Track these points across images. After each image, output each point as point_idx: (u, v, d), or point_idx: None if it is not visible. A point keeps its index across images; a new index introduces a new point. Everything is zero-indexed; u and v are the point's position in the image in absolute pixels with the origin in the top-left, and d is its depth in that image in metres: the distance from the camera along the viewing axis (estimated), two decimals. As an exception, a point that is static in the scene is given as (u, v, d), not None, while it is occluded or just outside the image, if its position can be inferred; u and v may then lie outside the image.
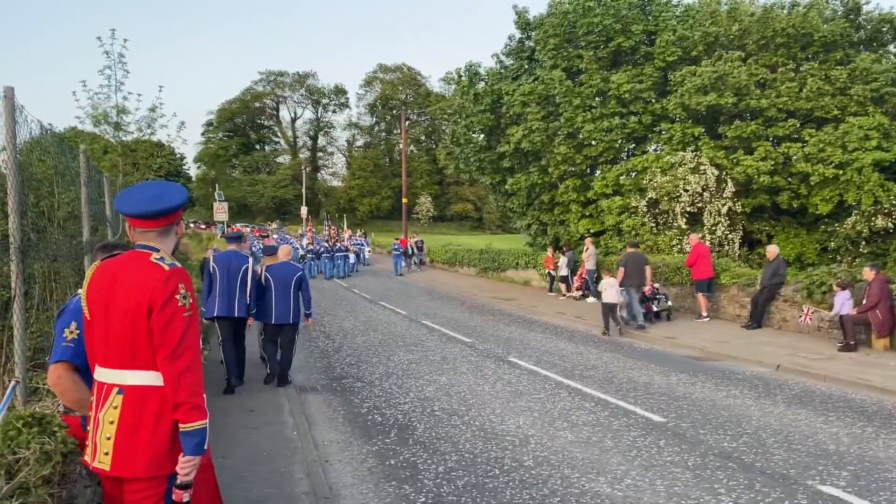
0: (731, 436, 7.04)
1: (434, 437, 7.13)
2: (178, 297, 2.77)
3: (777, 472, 5.97)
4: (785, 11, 20.51)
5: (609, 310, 13.72)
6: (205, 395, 2.83)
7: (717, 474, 5.92)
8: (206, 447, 2.80)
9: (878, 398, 8.59)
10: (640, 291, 14.40)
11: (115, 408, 2.77)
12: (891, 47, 22.12)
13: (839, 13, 21.21)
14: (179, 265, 2.89)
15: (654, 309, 15.12)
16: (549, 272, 22.11)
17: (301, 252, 33.71)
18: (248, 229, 61.38)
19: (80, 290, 3.53)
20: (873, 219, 17.46)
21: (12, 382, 3.75)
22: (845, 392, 8.98)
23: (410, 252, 34.27)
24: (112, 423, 2.76)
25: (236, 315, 8.89)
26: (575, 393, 9.03)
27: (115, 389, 2.80)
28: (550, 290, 22.00)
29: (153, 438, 2.76)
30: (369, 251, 40.30)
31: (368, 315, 17.67)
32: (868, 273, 11.69)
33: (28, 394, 4.41)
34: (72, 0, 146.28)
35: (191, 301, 2.82)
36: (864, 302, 11.50)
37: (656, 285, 15.57)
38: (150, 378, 2.78)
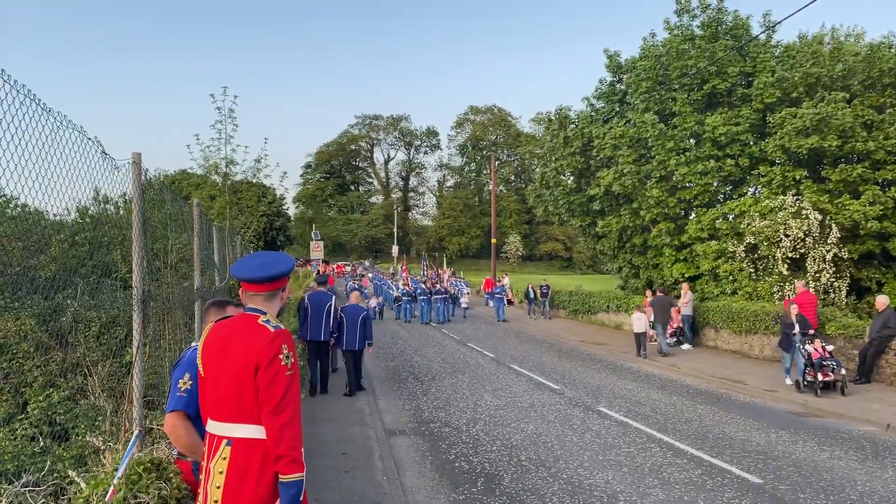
0: (833, 501, 6.68)
1: (520, 488, 7.12)
2: (281, 356, 3.02)
3: (886, 545, 5.63)
4: (892, 51, 19.62)
5: (639, 337, 17.41)
6: (303, 450, 3.03)
7: (818, 544, 5.64)
8: (301, 499, 2.99)
9: None
10: (665, 326, 18.22)
11: (224, 459, 3.02)
12: None
13: (955, 50, 20.09)
14: (284, 327, 3.14)
15: (822, 378, 12.18)
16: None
17: (395, 293, 32.67)
18: (349, 268, 63.29)
19: (193, 343, 3.86)
20: None
21: (136, 432, 4.08)
22: (966, 459, 8.34)
23: (532, 296, 30.61)
24: (221, 472, 3.01)
25: (322, 339, 11.84)
26: (667, 448, 8.80)
27: (225, 441, 3.05)
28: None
29: (257, 488, 2.98)
30: (468, 293, 34.12)
31: (456, 357, 17.79)
32: None
33: (143, 434, 4.77)
34: (188, 65, 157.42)
35: (292, 361, 3.06)
36: None
37: (829, 348, 12.68)
38: (255, 431, 3.02)
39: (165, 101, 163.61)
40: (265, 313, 3.19)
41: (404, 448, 8.85)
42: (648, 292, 21.91)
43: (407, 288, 31.07)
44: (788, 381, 13.25)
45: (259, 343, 3.03)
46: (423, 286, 30.59)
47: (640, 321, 17.54)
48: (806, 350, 12.56)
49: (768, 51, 22.40)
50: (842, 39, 23.21)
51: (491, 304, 37.66)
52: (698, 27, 22.96)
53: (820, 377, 12.17)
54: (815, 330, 14.50)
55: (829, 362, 12.33)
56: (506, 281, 35.26)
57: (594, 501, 6.70)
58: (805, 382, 12.50)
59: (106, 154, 4.62)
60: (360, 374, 12.76)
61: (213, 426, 3.14)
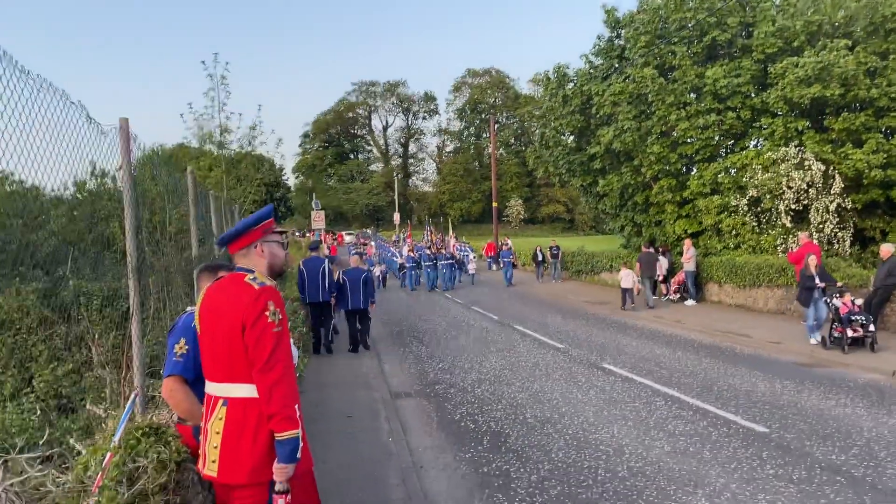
0: (839, 448, 6.69)
1: (527, 444, 7.15)
2: (267, 313, 2.98)
3: (889, 487, 5.64)
4: (896, -6, 19.20)
5: (625, 291, 18.49)
6: (297, 406, 2.99)
7: (823, 489, 5.66)
8: (299, 455, 2.96)
9: None
10: (651, 280, 19.17)
11: (220, 419, 3.00)
12: None
13: (960, -9, 19.67)
14: (270, 284, 3.10)
15: (851, 334, 11.41)
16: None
17: (399, 260, 32.22)
18: (353, 237, 63.44)
19: (189, 308, 3.82)
20: None
21: (132, 394, 4.07)
22: (972, 402, 8.34)
23: (540, 258, 29.55)
24: (218, 433, 2.99)
25: (321, 300, 12.43)
26: (672, 401, 8.82)
27: (221, 402, 3.03)
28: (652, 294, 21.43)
29: (254, 447, 2.96)
30: (474, 258, 32.70)
31: (460, 320, 17.83)
32: None
33: (145, 402, 4.76)
34: (178, 26, 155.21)
35: (280, 317, 3.02)
36: None
37: (858, 302, 11.89)
38: (249, 391, 2.99)
39: (156, 74, 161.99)
40: (252, 271, 3.15)
41: (410, 410, 8.88)
42: (651, 249, 21.82)
43: (412, 255, 30.16)
44: (813, 340, 12.29)
45: (244, 301, 3.00)
46: (428, 252, 29.57)
47: (627, 277, 18.68)
48: (834, 304, 11.76)
49: (768, 0, 21.95)
50: (843, -15, 22.68)
51: (494, 267, 37.57)
52: (697, -23, 22.48)
53: (849, 332, 11.40)
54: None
55: (858, 317, 11.51)
56: (553, 246, 34.23)
57: (599, 455, 6.73)
58: (832, 339, 11.75)
59: (91, 119, 4.53)
60: (368, 332, 13.46)
61: (210, 387, 3.12)
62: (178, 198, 9.18)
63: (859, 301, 12.06)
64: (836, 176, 18.23)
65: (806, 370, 10.60)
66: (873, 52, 18.77)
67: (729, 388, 9.46)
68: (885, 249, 13.36)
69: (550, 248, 29.87)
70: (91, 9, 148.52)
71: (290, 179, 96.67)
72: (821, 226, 18.35)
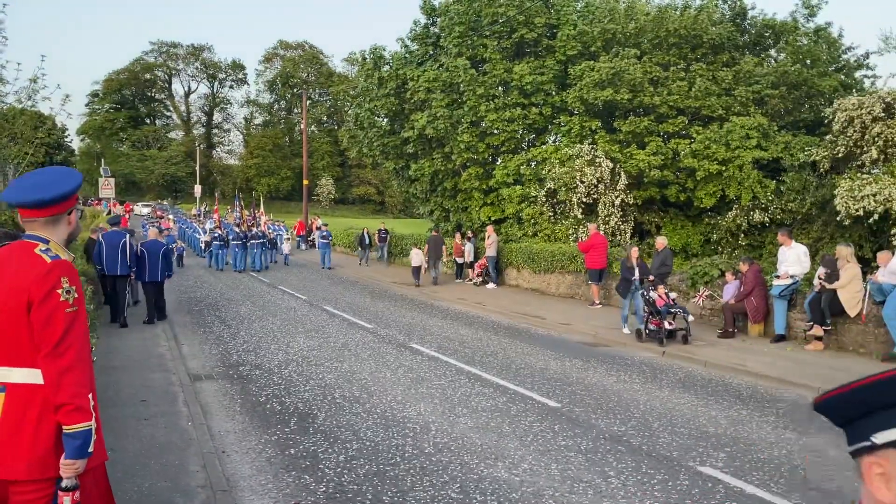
0: (620, 419, 7.41)
1: (335, 425, 7.11)
2: (59, 291, 2.62)
3: (661, 454, 6.35)
4: (677, 13, 21.48)
5: (416, 270, 20.68)
6: (91, 396, 2.69)
7: (607, 457, 6.23)
8: (91, 449, 2.67)
9: (753, 382, 9.26)
10: (438, 260, 21.47)
11: None
12: (772, 51, 23.61)
13: (727, 17, 22.44)
14: (64, 258, 2.74)
15: (668, 327, 11.38)
16: (455, 259, 22.38)
17: (203, 238, 29.83)
18: (149, 209, 59.01)
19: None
20: (751, 213, 18.71)
21: None
22: (723, 377, 9.61)
23: (366, 242, 28.53)
24: None
25: (119, 273, 12.77)
26: (475, 379, 9.22)
27: (-1, 387, 2.65)
28: (458, 277, 22.25)
29: (35, 439, 2.62)
30: (287, 239, 31.27)
31: (266, 300, 17.30)
32: (743, 266, 12.57)
33: None
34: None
35: (76, 296, 2.67)
36: (741, 290, 12.38)
37: (673, 295, 11.99)
38: (33, 376, 2.63)
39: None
40: (47, 242, 2.74)
41: (211, 393, 8.46)
42: (458, 235, 22.70)
43: (219, 232, 27.59)
44: (626, 330, 12.44)
45: (32, 275, 2.61)
46: (237, 230, 27.36)
47: (417, 256, 20.88)
48: (650, 297, 11.68)
49: (571, 5, 23.55)
50: (635, -1, 24.94)
51: (304, 247, 36.79)
52: (509, -26, 23.48)
53: (666, 325, 11.38)
54: (603, 268, 15.92)
55: (676, 309, 11.54)
56: (381, 229, 33.28)
57: (407, 432, 6.87)
58: (648, 331, 11.70)
59: None
60: (164, 304, 13.86)
61: (-12, 372, 2.71)
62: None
63: (673, 294, 12.18)
64: (622, 174, 20.08)
65: (591, 349, 11.61)
66: (657, 62, 20.87)
67: (526, 366, 10.09)
68: (660, 242, 14.96)
69: (379, 231, 29.32)
70: None
71: (75, 142, 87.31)
72: (607, 218, 20.13)
